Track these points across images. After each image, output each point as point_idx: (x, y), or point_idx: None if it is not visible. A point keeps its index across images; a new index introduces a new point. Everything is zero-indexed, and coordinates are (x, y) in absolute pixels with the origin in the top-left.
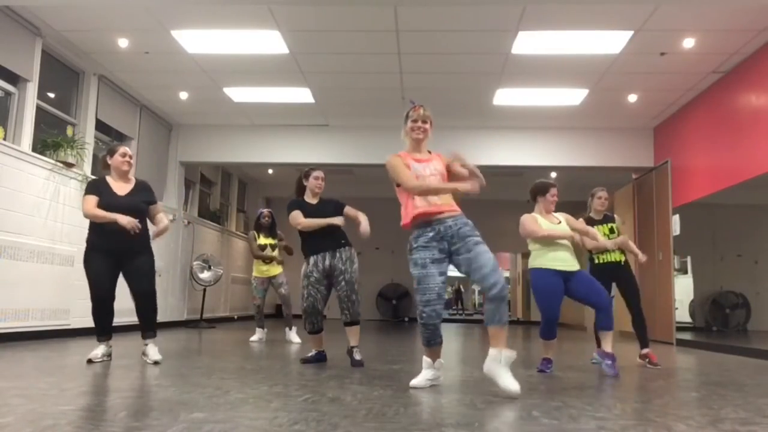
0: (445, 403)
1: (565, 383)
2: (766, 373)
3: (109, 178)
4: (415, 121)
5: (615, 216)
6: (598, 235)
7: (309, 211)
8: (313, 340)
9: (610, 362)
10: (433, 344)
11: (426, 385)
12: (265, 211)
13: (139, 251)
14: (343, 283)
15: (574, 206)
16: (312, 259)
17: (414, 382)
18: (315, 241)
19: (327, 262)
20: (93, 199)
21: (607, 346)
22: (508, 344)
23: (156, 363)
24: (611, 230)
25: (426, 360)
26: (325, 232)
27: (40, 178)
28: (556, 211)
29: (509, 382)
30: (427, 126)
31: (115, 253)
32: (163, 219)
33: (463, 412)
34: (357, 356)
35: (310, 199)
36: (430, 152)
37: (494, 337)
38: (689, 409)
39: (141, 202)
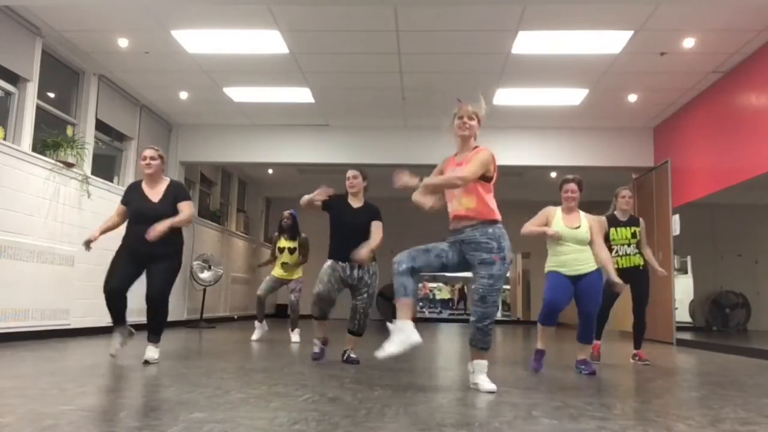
0: (445, 403)
1: (565, 383)
2: (766, 373)
3: (143, 182)
4: (460, 117)
5: (640, 219)
6: (610, 266)
7: (343, 214)
8: (319, 327)
9: (583, 366)
10: (402, 295)
11: (401, 348)
12: (286, 213)
13: (161, 257)
14: (365, 295)
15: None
16: (340, 264)
17: (389, 348)
18: (344, 249)
19: (353, 272)
20: (119, 210)
21: (580, 355)
22: (513, 346)
23: (146, 362)
24: (633, 235)
25: (394, 323)
26: (354, 242)
27: (40, 178)
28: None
29: (485, 386)
30: (474, 123)
31: (138, 256)
32: (183, 213)
33: (463, 412)
34: (353, 354)
35: (353, 200)
36: (476, 147)
37: (472, 353)
38: (689, 408)
39: (170, 207)
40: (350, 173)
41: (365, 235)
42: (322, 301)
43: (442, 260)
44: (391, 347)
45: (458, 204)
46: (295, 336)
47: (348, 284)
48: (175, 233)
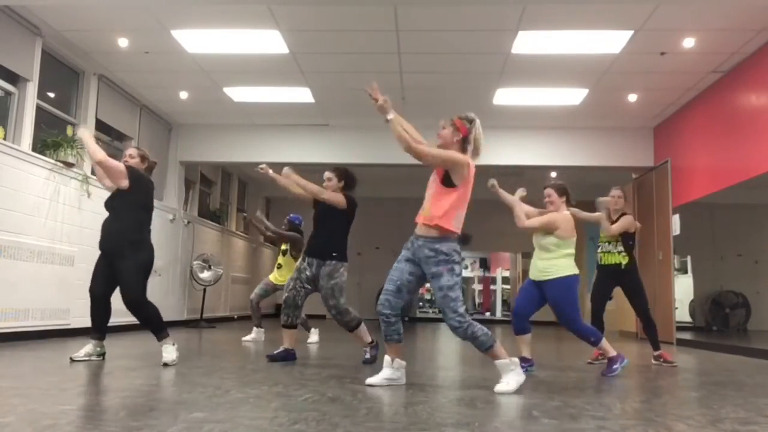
0: (445, 403)
1: (565, 383)
2: (766, 373)
3: None
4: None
5: (624, 216)
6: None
7: (318, 205)
8: (285, 335)
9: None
10: (390, 340)
11: (382, 383)
12: (286, 219)
13: (121, 254)
14: (322, 297)
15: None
16: (307, 260)
17: (370, 380)
18: (310, 242)
19: (314, 269)
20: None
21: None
22: (508, 344)
23: (165, 365)
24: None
25: (386, 358)
26: (319, 235)
27: (40, 178)
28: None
29: (499, 386)
30: (444, 131)
31: (106, 252)
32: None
33: (463, 412)
34: (366, 355)
35: None
36: None
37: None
38: (689, 408)
39: (116, 196)
40: (325, 175)
41: (332, 230)
42: (288, 308)
43: (412, 291)
44: (375, 380)
45: (421, 209)
46: (313, 336)
47: (313, 282)
48: (127, 226)
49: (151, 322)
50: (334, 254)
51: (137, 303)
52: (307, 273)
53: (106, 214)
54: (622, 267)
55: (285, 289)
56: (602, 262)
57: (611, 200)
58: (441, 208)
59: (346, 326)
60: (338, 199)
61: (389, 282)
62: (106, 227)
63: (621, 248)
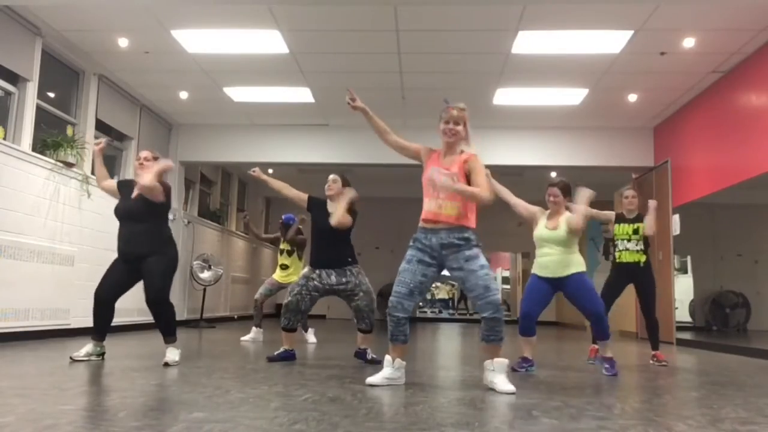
0: (445, 403)
1: (565, 383)
2: (766, 373)
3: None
4: (447, 122)
5: (646, 218)
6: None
7: (321, 217)
8: (285, 337)
9: (608, 366)
10: (395, 341)
11: (383, 383)
12: (280, 220)
13: (149, 254)
14: (361, 293)
15: None
16: (318, 271)
17: (370, 379)
18: (322, 254)
19: (333, 279)
20: (111, 181)
21: (605, 352)
22: (508, 344)
23: (165, 364)
24: (635, 231)
25: (386, 357)
26: (332, 246)
27: (40, 178)
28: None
29: (503, 386)
30: (459, 128)
31: (128, 258)
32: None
33: (463, 412)
34: (373, 354)
35: (331, 205)
36: (462, 152)
37: (486, 351)
38: (689, 408)
39: (143, 203)
40: (330, 177)
41: (343, 239)
42: (289, 312)
43: (423, 292)
44: (375, 380)
45: (438, 208)
46: (310, 337)
47: (333, 291)
48: (156, 229)
49: (167, 324)
50: (349, 259)
51: (162, 302)
52: (316, 283)
53: (106, 213)
54: (641, 265)
55: (289, 294)
56: (620, 260)
57: (625, 201)
58: (472, 211)
59: (369, 324)
60: (349, 221)
61: (401, 284)
62: (129, 233)
63: (642, 246)
